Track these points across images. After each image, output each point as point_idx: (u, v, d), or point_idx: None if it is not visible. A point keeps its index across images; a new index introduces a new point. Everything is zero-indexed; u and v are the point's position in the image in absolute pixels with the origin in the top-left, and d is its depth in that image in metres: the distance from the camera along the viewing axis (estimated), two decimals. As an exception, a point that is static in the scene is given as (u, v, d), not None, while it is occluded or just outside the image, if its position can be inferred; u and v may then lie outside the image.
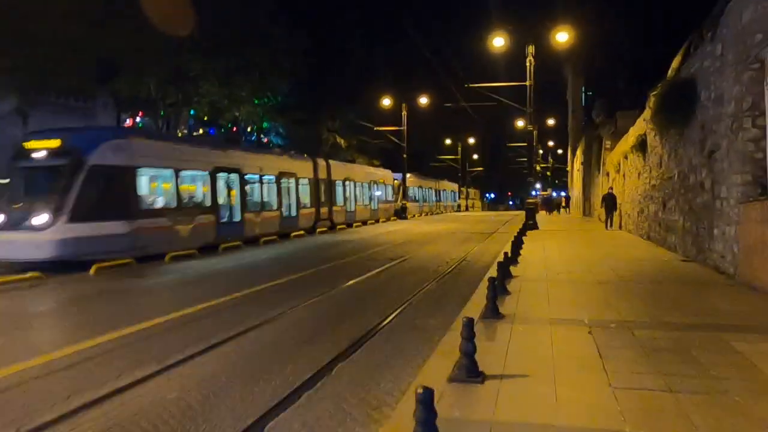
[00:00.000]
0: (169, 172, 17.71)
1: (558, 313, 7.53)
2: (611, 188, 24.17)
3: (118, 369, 5.95)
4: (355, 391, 5.13)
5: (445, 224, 35.15)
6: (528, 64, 25.95)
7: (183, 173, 18.37)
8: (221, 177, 20.50)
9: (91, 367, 6.18)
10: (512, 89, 29.15)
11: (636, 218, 20.35)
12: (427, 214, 53.24)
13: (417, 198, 51.62)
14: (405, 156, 42.84)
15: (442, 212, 61.61)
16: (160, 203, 17.64)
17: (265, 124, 39.41)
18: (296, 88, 39.62)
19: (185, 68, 25.90)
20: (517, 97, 28.27)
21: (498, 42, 26.34)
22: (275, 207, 24.12)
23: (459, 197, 76.80)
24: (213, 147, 22.22)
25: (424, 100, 42.59)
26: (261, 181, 23.17)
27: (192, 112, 31.92)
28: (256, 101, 35.48)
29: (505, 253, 11.16)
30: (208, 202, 19.57)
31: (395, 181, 43.21)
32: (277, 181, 24.32)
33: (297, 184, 26.21)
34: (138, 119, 33.06)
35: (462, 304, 8.66)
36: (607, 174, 29.48)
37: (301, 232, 26.18)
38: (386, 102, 42.71)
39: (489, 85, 27.16)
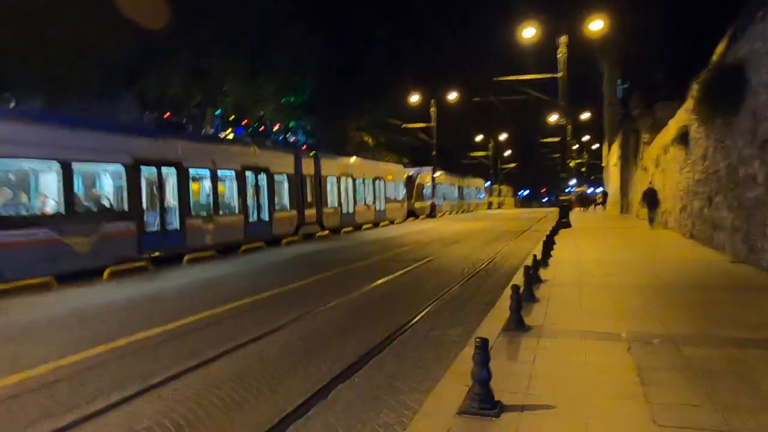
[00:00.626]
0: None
1: (591, 324, 6.69)
2: (651, 183, 22.58)
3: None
4: (350, 423, 4.43)
5: (474, 223, 34.19)
6: (560, 55, 24.83)
7: (80, 167, 14.02)
8: (147, 172, 15.83)
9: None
10: (544, 82, 28.04)
11: (678, 215, 19.11)
12: (455, 213, 52.20)
13: (442, 196, 48.79)
14: (435, 153, 41.93)
15: (472, 210, 60.45)
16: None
17: (291, 123, 39.05)
18: (323, 87, 39.18)
19: (208, 68, 25.59)
20: (549, 91, 27.15)
21: (528, 33, 25.29)
22: (236, 210, 19.76)
23: (486, 194, 74.37)
24: (137, 134, 16.48)
25: (452, 96, 41.62)
26: (214, 179, 18.66)
27: (218, 111, 31.68)
28: (282, 100, 35.16)
29: (534, 256, 10.30)
30: (123, 206, 15.17)
31: (423, 177, 41.95)
32: (239, 178, 19.92)
33: (270, 181, 21.73)
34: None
35: (486, 311, 7.89)
36: (646, 169, 28.08)
37: (295, 238, 22.82)
38: (414, 98, 41.89)
39: (518, 78, 26.09)
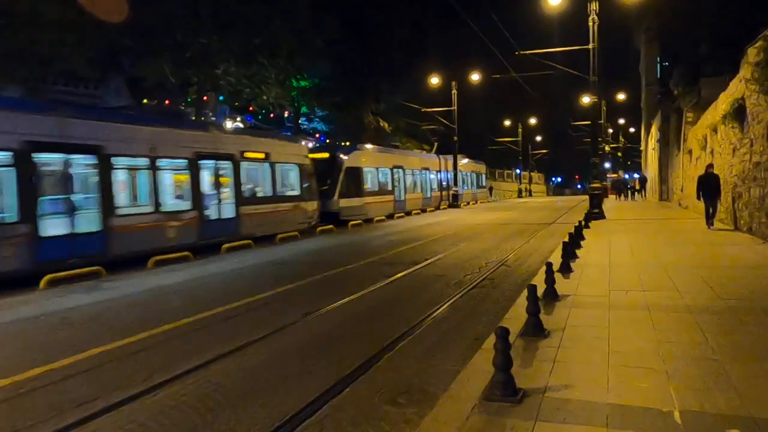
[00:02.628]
0: None
1: (624, 391, 4.27)
2: (711, 166, 16.49)
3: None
4: None
5: (498, 213, 31.53)
6: (591, 23, 21.95)
7: None
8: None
9: None
10: (574, 58, 25.13)
11: (730, 206, 16.25)
12: (477, 202, 49.44)
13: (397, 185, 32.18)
14: (456, 138, 39.17)
15: (462, 205, 57.53)
16: None
17: (303, 109, 36.85)
18: (338, 70, 36.86)
19: (200, 46, 23.47)
20: (580, 68, 24.21)
21: (555, 0, 22.43)
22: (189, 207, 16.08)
23: (486, 180, 54.06)
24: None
25: (475, 77, 38.75)
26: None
27: (221, 98, 29.67)
28: (293, 83, 32.98)
29: (548, 265, 7.84)
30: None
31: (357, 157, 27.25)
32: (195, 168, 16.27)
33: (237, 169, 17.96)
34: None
35: (467, 357, 5.53)
36: (690, 152, 25.02)
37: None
38: (435, 81, 39.15)
39: (544, 51, 23.27)
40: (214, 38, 23.50)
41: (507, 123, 68.10)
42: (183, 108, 27.00)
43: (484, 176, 52.73)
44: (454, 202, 39.06)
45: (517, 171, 76.19)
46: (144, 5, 21.34)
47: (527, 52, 23.36)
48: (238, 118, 38.11)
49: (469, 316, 7.77)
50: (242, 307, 8.87)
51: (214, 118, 29.84)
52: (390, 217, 29.18)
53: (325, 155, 25.22)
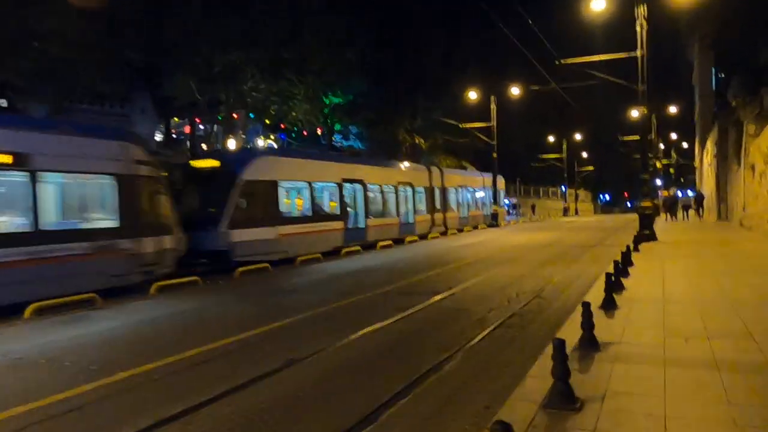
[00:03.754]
0: None
1: None
2: None
3: None
4: None
5: (539, 234, 29.65)
6: (639, 29, 20.19)
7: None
8: None
9: None
10: (619, 67, 23.31)
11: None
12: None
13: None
14: (495, 155, 37.52)
15: (539, 219, 55.22)
16: None
17: (337, 126, 35.99)
18: (371, 86, 35.91)
19: (225, 62, 22.87)
20: (627, 79, 22.30)
21: (598, 5, 20.78)
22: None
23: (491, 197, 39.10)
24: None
25: (515, 91, 37.09)
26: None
27: (251, 115, 29.06)
28: (326, 101, 32.20)
29: (585, 306, 6.30)
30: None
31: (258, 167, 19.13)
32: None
33: None
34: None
35: (482, 421, 4.10)
36: (753, 167, 22.72)
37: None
38: (473, 95, 37.71)
39: (587, 59, 21.60)
40: (240, 53, 22.86)
41: (551, 139, 65.80)
42: (215, 126, 26.46)
43: (488, 192, 38.64)
44: (493, 221, 37.32)
45: (563, 188, 73.48)
46: (168, 21, 20.82)
47: (569, 60, 21.71)
48: (272, 137, 37.58)
49: (483, 371, 6.26)
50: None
51: (244, 137, 29.22)
52: (336, 252, 20.64)
53: (214, 164, 17.74)
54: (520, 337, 7.55)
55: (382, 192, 24.89)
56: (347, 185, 22.32)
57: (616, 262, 10.27)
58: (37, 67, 19.53)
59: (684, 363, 5.53)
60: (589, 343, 6.19)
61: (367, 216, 23.25)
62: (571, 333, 6.52)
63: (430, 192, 29.43)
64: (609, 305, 8.35)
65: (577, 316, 7.11)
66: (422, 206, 28.75)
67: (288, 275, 15.59)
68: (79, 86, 21.06)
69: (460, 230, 32.53)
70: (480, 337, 7.64)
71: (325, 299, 11.01)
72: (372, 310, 9.95)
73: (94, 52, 19.74)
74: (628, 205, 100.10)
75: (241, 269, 15.47)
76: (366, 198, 23.42)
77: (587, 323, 6.28)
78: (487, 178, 38.12)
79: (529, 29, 20.73)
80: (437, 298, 10.63)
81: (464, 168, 44.58)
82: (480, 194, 37.20)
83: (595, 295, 9.08)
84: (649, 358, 5.72)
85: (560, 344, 4.66)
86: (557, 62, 21.59)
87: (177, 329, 9.34)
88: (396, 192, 25.86)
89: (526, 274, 13.77)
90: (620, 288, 9.84)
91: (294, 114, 27.07)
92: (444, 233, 30.07)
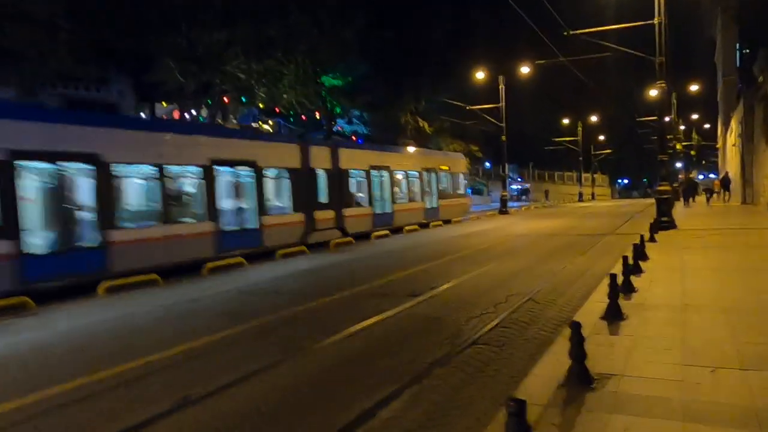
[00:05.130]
0: None
1: None
2: None
3: None
4: None
5: (549, 221, 27.78)
6: (656, -7, 18.15)
7: None
8: None
9: None
10: (636, 42, 21.22)
11: None
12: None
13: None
14: (504, 138, 35.50)
15: (553, 204, 53.08)
16: None
17: (337, 109, 34.23)
18: (371, 66, 34.08)
19: (208, 42, 21.20)
20: (645, 61, 20.13)
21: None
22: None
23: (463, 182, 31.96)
24: None
25: (525, 70, 34.92)
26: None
27: (243, 99, 27.44)
28: (325, 81, 30.44)
29: (574, 328, 4.65)
30: None
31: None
32: None
33: None
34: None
35: None
36: (783, 146, 20.66)
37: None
38: (480, 75, 35.58)
39: (598, 30, 19.59)
40: (222, 32, 21.18)
41: (566, 122, 63.37)
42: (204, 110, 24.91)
43: (460, 177, 30.28)
44: (503, 208, 35.46)
45: (578, 173, 71.07)
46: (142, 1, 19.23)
47: (579, 31, 19.72)
48: (270, 122, 36.02)
49: (430, 421, 4.62)
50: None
51: (235, 121, 27.66)
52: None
53: None
54: (492, 365, 5.84)
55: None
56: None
57: (625, 258, 8.53)
58: (6, 49, 18.12)
59: (711, 418, 3.86)
60: (579, 379, 4.55)
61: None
62: (559, 358, 4.90)
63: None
64: (613, 315, 6.68)
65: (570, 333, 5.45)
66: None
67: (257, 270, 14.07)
68: (47, 69, 19.59)
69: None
70: (441, 367, 5.97)
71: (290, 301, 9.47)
72: (326, 321, 8.39)
73: (60, 33, 18.22)
74: (648, 190, 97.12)
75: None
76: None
77: (577, 351, 4.64)
78: (462, 160, 32.55)
79: (538, 2, 18.86)
80: (411, 303, 9.00)
81: (472, 153, 42.63)
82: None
83: (598, 300, 7.42)
84: (660, 406, 4.07)
85: (519, 408, 3.03)
86: (566, 33, 19.63)
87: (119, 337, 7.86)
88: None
89: (523, 269, 12.07)
90: (630, 290, 8.15)
91: (285, 96, 25.42)
92: (448, 221, 28.26)
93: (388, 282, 11.22)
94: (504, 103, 35.54)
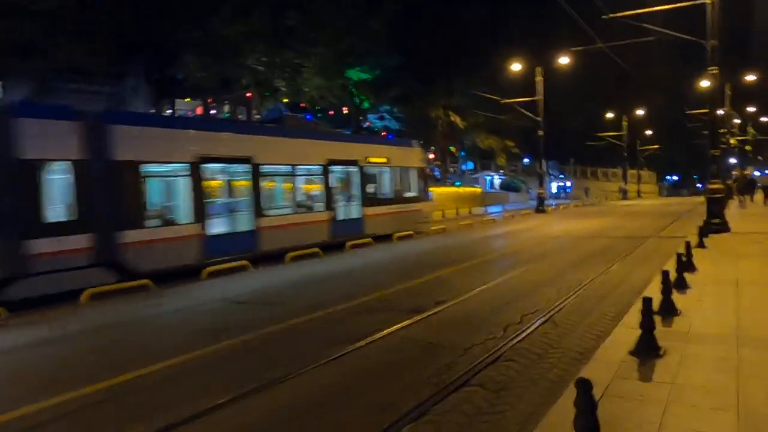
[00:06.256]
0: None
1: None
2: None
3: None
4: None
5: (587, 221, 25.94)
6: (707, -31, 16.22)
7: None
8: None
9: None
10: (684, 21, 19.23)
11: None
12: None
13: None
14: (541, 132, 33.63)
15: (594, 202, 50.61)
16: None
17: (365, 104, 33.04)
18: (402, 59, 32.75)
19: (227, 35, 20.33)
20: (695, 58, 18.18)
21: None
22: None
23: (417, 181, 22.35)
24: None
25: (564, 60, 32.88)
26: None
27: (267, 94, 26.55)
28: (354, 76, 29.30)
29: (585, 388, 3.32)
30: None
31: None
32: None
33: None
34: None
35: None
36: None
37: None
38: (517, 67, 33.77)
39: (639, 12, 17.74)
40: (239, 22, 20.27)
41: (609, 115, 60.45)
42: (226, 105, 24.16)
43: (410, 174, 21.78)
44: (540, 207, 33.66)
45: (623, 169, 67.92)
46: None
47: (618, 14, 17.93)
48: (299, 117, 35.12)
49: None
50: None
51: (259, 117, 26.81)
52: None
53: None
54: (479, 420, 4.52)
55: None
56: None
57: (665, 274, 7.01)
58: (13, 40, 17.65)
59: None
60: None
61: None
62: (564, 421, 3.58)
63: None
64: (647, 351, 5.26)
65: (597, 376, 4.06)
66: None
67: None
68: (60, 62, 19.05)
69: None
70: (412, 422, 4.69)
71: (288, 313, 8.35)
72: (294, 349, 7.23)
73: (71, 24, 17.63)
74: (699, 186, 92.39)
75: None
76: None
77: (583, 423, 3.29)
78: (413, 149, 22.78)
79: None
80: (409, 321, 7.72)
81: (509, 147, 40.77)
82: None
83: (631, 325, 5.98)
84: None
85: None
86: (604, 17, 17.88)
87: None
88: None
89: (550, 279, 10.61)
90: (671, 311, 6.68)
91: (307, 90, 24.37)
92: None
93: (390, 294, 9.95)
94: (542, 96, 33.65)
